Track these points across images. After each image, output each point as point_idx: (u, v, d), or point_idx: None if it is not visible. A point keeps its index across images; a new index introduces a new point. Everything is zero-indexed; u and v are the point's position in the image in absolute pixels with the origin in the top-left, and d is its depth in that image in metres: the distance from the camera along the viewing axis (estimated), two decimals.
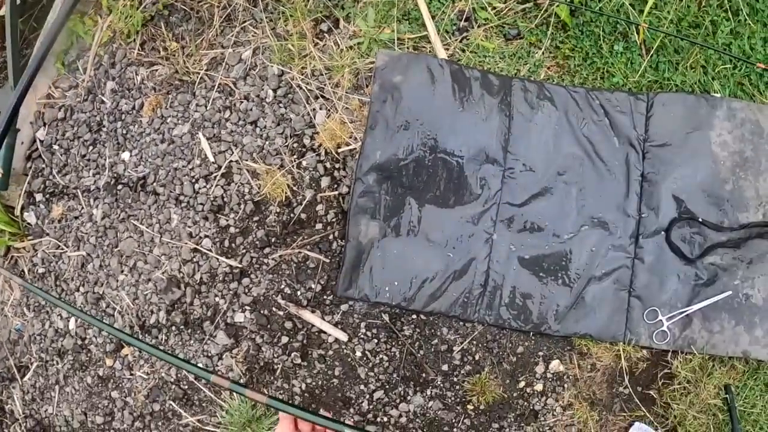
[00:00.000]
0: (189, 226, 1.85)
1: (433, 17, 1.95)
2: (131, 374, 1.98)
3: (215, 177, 1.84)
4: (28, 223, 2.17)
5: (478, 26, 1.96)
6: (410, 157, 1.76)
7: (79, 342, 2.06)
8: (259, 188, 1.80)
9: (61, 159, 2.12)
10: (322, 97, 1.85)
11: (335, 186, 1.78)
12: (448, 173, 1.78)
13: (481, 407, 1.76)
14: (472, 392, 1.75)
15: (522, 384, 1.77)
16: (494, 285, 1.76)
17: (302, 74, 1.87)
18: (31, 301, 2.18)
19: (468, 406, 1.77)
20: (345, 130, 1.80)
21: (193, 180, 1.87)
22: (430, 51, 1.91)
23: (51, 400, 2.12)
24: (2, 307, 2.25)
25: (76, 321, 2.06)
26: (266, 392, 1.67)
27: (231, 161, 1.84)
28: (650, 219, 1.76)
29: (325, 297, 1.75)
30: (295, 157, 1.80)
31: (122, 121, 2.03)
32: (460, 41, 1.95)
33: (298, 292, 1.76)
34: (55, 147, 2.15)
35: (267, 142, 1.83)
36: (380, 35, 1.93)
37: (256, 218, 1.80)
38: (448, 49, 1.92)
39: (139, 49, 2.06)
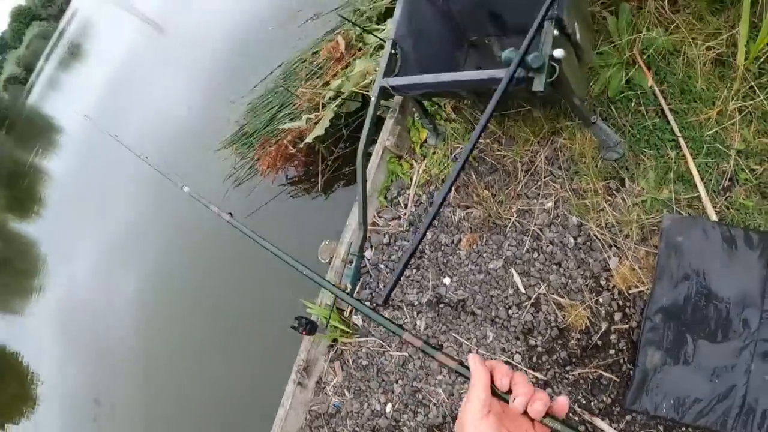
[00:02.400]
0: (502, 343, 3.17)
1: (701, 179, 3.28)
2: None
3: (526, 305, 3.14)
4: (356, 324, 3.76)
5: (740, 186, 3.22)
6: (689, 303, 3.04)
7: (393, 423, 3.58)
8: (563, 318, 3.08)
9: (387, 277, 3.67)
10: (615, 246, 3.06)
11: (626, 320, 2.96)
12: (717, 315, 3.01)
13: None
14: None
15: None
16: (749, 408, 2.90)
17: (598, 226, 3.11)
18: (352, 385, 3.76)
19: None
20: (634, 275, 3.06)
21: (507, 306, 3.19)
22: (702, 210, 3.22)
23: None
24: (325, 386, 3.88)
25: (393, 406, 3.60)
26: None
27: (539, 294, 3.14)
28: None
29: (613, 408, 2.98)
30: (593, 294, 3.02)
31: (442, 252, 3.47)
32: (725, 199, 3.22)
33: (592, 403, 3.03)
34: (381, 266, 3.73)
35: (570, 281, 3.09)
36: (660, 195, 3.22)
37: (560, 341, 3.07)
38: (716, 206, 3.20)
39: (454, 193, 3.62)
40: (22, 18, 65.20)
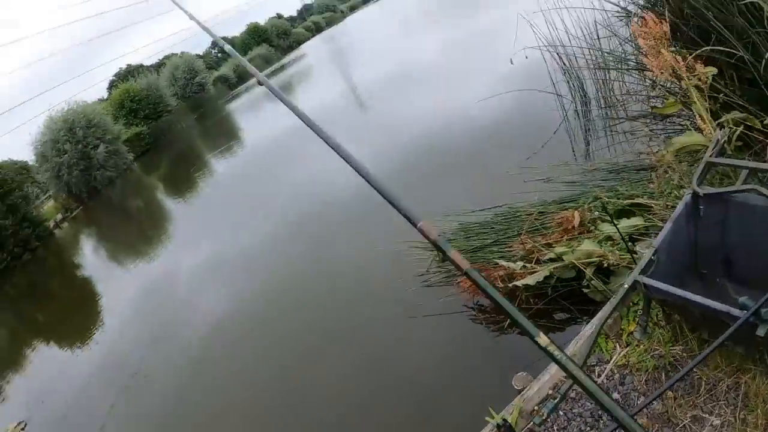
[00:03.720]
0: None
1: None
2: None
3: None
4: None
5: None
6: None
7: None
8: None
9: (563, 423, 4.98)
10: None
11: None
12: None
13: None
14: None
15: None
16: None
17: None
18: None
19: None
20: None
21: None
22: None
23: None
24: None
25: None
26: None
27: None
28: None
29: None
30: None
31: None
32: None
33: None
34: (561, 413, 5.05)
35: None
36: None
37: None
38: None
39: (644, 384, 4.95)
40: (255, 35, 79.59)
